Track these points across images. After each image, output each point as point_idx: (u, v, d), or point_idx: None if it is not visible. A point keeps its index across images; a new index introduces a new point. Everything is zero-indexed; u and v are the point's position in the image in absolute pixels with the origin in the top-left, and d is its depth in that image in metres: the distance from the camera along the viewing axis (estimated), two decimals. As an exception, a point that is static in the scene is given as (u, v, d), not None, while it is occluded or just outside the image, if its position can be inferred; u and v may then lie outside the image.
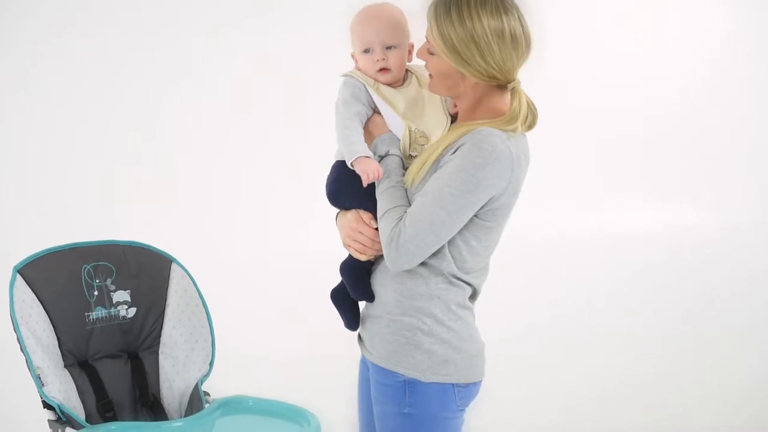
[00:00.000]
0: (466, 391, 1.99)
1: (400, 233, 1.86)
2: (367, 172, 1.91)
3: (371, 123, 2.01)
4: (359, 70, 2.04)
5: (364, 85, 2.00)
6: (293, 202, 5.39)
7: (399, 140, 1.98)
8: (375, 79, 2.01)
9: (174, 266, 2.44)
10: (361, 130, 1.97)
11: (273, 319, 4.55)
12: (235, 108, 5.68)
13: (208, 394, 2.36)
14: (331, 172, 2.05)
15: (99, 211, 5.27)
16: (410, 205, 1.90)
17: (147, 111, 5.60)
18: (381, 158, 1.96)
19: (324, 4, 4.82)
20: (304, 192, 4.25)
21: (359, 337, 2.11)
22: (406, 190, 1.93)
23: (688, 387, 4.04)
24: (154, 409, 2.38)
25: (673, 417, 3.76)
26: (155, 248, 2.47)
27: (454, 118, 2.03)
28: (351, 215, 2.01)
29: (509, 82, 1.91)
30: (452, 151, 1.87)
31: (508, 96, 1.93)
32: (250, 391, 2.34)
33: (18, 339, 2.18)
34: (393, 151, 1.96)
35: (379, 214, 1.93)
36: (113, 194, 5.42)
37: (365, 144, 1.95)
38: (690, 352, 4.43)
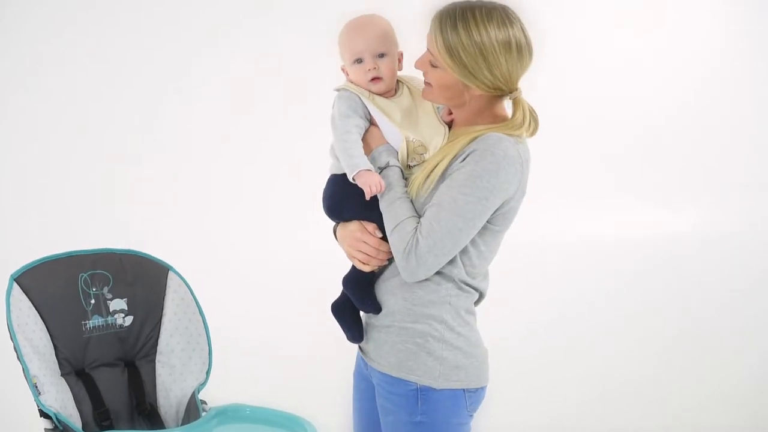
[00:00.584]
0: (475, 396, 1.99)
1: (418, 244, 1.84)
2: (370, 185, 1.89)
3: (368, 135, 1.98)
4: (351, 82, 2.01)
5: (359, 97, 1.98)
6: (293, 202, 5.36)
7: (397, 151, 1.97)
8: (368, 90, 1.99)
9: (171, 274, 2.43)
10: (361, 143, 1.95)
11: (272, 324, 4.53)
12: (235, 108, 5.67)
13: (205, 403, 2.35)
14: (327, 186, 2.04)
15: (98, 212, 5.27)
16: (419, 216, 1.89)
17: (147, 111, 5.59)
18: (381, 170, 1.94)
19: (324, 5, 4.81)
20: (304, 192, 4.22)
21: (360, 348, 2.10)
22: (411, 200, 1.91)
23: (688, 387, 4.04)
24: (151, 418, 2.37)
25: (673, 417, 3.76)
26: (152, 256, 2.46)
27: (448, 126, 2.01)
28: (354, 226, 1.98)
29: (512, 92, 1.90)
30: (461, 158, 1.86)
31: (508, 102, 1.93)
32: (247, 399, 2.33)
33: (15, 348, 2.18)
34: (393, 162, 1.94)
35: (389, 226, 1.90)
36: (113, 195, 5.42)
37: (365, 157, 1.93)
38: (690, 352, 4.43)
